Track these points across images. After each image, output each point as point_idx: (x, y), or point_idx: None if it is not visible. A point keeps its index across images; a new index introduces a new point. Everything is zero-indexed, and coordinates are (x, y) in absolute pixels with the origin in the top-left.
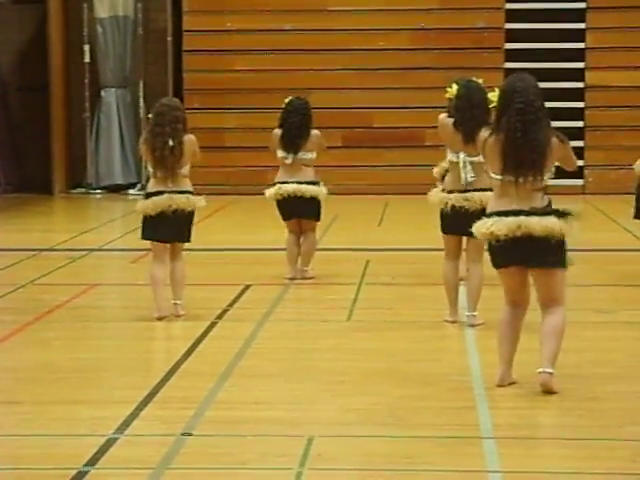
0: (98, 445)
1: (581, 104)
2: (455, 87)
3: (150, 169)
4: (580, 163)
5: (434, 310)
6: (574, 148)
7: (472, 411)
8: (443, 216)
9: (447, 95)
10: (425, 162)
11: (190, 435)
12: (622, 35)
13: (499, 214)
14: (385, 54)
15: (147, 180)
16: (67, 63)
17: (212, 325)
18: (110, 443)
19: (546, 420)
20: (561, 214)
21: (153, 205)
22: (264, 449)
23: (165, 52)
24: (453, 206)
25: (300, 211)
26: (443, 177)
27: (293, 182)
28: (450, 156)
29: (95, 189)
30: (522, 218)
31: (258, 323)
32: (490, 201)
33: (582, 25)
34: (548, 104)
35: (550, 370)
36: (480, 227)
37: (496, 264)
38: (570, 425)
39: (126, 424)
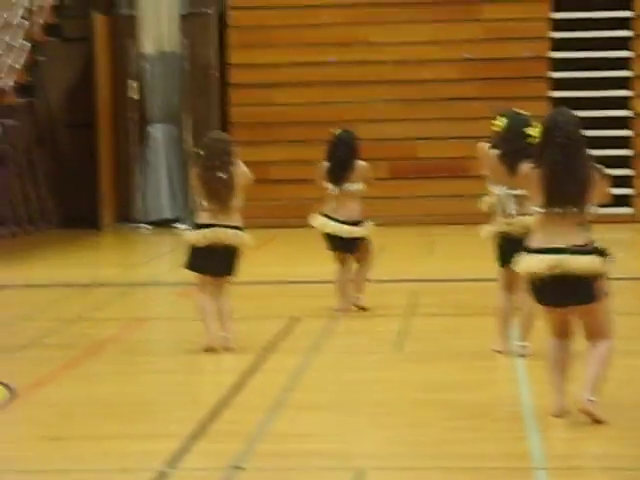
0: None
1: (630, 132)
2: (504, 119)
3: (202, 202)
4: (630, 192)
5: (482, 340)
6: (623, 177)
7: (523, 441)
8: (495, 246)
9: (494, 127)
10: (470, 192)
11: (241, 468)
12: None
13: (539, 251)
14: (429, 85)
15: (192, 214)
16: (114, 99)
17: (260, 358)
18: (161, 477)
19: (598, 449)
20: (601, 252)
21: (203, 238)
22: None
23: (211, 86)
24: (499, 232)
25: (344, 247)
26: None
27: (337, 220)
28: (493, 189)
29: (143, 223)
30: (562, 257)
31: (306, 355)
32: (532, 235)
33: (628, 53)
34: (596, 132)
35: (589, 397)
36: (521, 264)
37: (536, 300)
38: (622, 455)
39: (176, 458)
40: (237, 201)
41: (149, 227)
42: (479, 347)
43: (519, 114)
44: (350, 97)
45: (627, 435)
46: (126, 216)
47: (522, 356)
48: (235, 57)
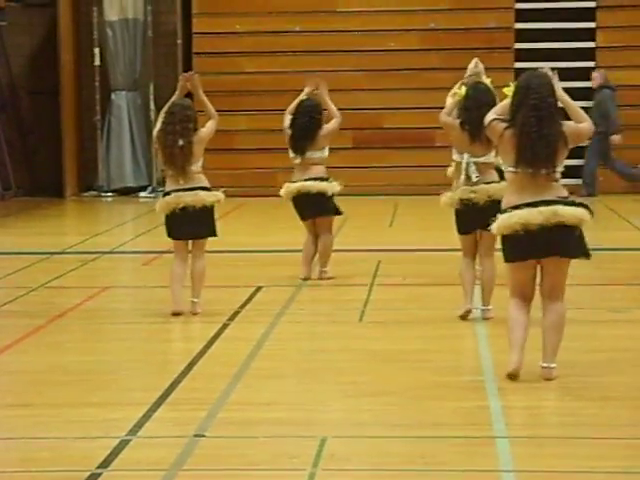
0: (111, 447)
1: (591, 103)
2: (464, 88)
3: (162, 166)
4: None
5: (446, 310)
6: (586, 148)
7: (485, 411)
8: (456, 215)
9: (456, 96)
10: (435, 163)
11: (203, 436)
12: (632, 34)
13: (528, 205)
14: (395, 55)
15: (158, 182)
16: (77, 66)
17: (224, 326)
18: (123, 445)
19: (559, 419)
20: (585, 206)
21: (166, 205)
22: (277, 450)
23: (175, 54)
24: (461, 199)
25: (311, 209)
26: None
27: (308, 179)
28: (455, 156)
29: (106, 192)
30: (559, 207)
31: (270, 324)
32: (506, 196)
33: (592, 24)
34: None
35: (553, 365)
36: (506, 220)
37: (513, 258)
38: (583, 424)
39: (139, 426)
40: (197, 165)
41: (113, 195)
42: (442, 316)
43: (480, 82)
44: (315, 66)
45: (597, 405)
46: (90, 184)
47: (486, 319)
48: (199, 25)
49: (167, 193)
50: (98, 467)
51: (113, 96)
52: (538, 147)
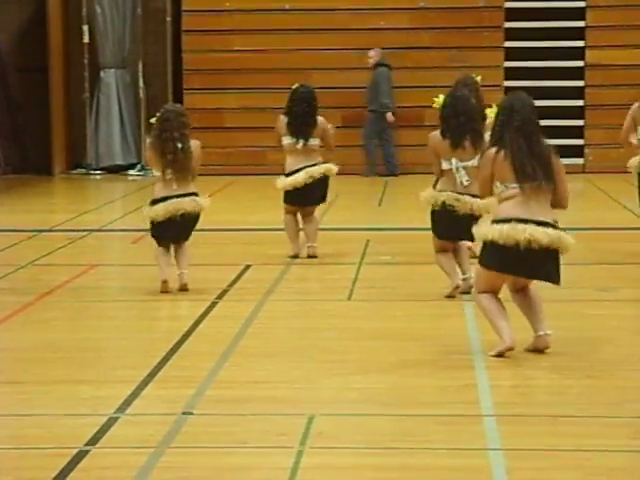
0: (99, 425)
1: (581, 83)
2: (441, 97)
3: (158, 173)
4: (580, 142)
5: (433, 289)
6: (575, 127)
7: (473, 389)
8: (434, 217)
9: (434, 105)
10: (425, 142)
11: (191, 414)
12: (622, 13)
13: (535, 222)
14: (385, 34)
15: (147, 162)
16: (66, 43)
17: (213, 305)
18: (111, 422)
19: (546, 398)
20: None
21: (163, 211)
22: (265, 428)
23: (164, 32)
24: (444, 203)
25: (314, 196)
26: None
27: (315, 165)
28: (443, 164)
29: (95, 170)
30: (562, 233)
31: (259, 303)
32: (506, 207)
33: (582, 3)
34: (549, 83)
35: (549, 332)
36: (511, 230)
37: (496, 268)
38: (570, 403)
39: (127, 403)
40: (193, 172)
41: (101, 173)
42: (431, 295)
43: (457, 91)
44: (305, 44)
45: (583, 384)
46: (78, 162)
47: (466, 292)
48: (189, 3)
49: (160, 200)
50: (86, 444)
51: (102, 74)
52: (535, 163)
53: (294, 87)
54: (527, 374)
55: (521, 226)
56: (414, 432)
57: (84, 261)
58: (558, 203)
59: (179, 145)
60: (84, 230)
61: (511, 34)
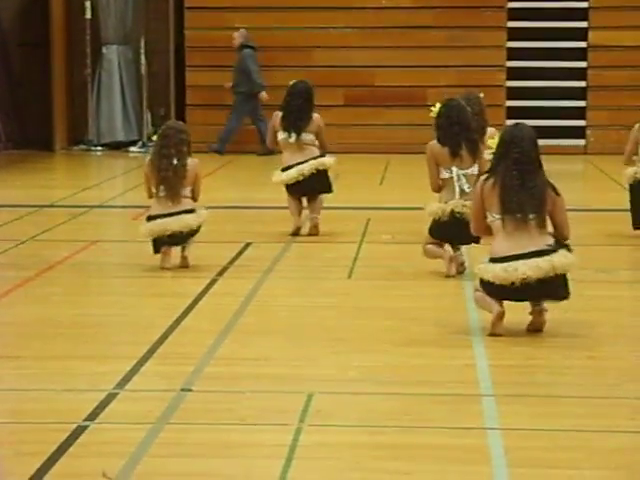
0: (98, 400)
1: (584, 64)
2: (438, 106)
3: (153, 190)
4: (582, 123)
5: (433, 268)
6: (577, 108)
7: (472, 369)
8: (437, 222)
9: (431, 114)
10: (426, 121)
11: (190, 390)
12: None
13: (520, 256)
14: (387, 12)
15: (148, 137)
16: (68, 19)
17: (212, 282)
18: (110, 398)
19: (546, 378)
20: (568, 247)
21: (149, 232)
22: (263, 405)
23: (166, 9)
24: (452, 212)
25: (314, 187)
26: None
27: (308, 160)
28: (443, 173)
29: (96, 146)
30: (554, 259)
31: (259, 280)
32: (494, 244)
33: None
34: (551, 64)
35: (547, 307)
36: (502, 273)
37: (495, 297)
38: (569, 383)
39: (126, 379)
40: (188, 190)
41: (102, 149)
42: (431, 274)
43: (452, 100)
44: (306, 22)
45: (583, 364)
46: (80, 138)
47: (462, 271)
48: None
49: (153, 217)
50: (85, 420)
51: (104, 50)
52: (523, 198)
53: (292, 82)
54: (527, 354)
55: (512, 267)
56: (413, 411)
57: (85, 237)
58: (559, 235)
59: (174, 162)
60: (85, 206)
61: (514, 14)
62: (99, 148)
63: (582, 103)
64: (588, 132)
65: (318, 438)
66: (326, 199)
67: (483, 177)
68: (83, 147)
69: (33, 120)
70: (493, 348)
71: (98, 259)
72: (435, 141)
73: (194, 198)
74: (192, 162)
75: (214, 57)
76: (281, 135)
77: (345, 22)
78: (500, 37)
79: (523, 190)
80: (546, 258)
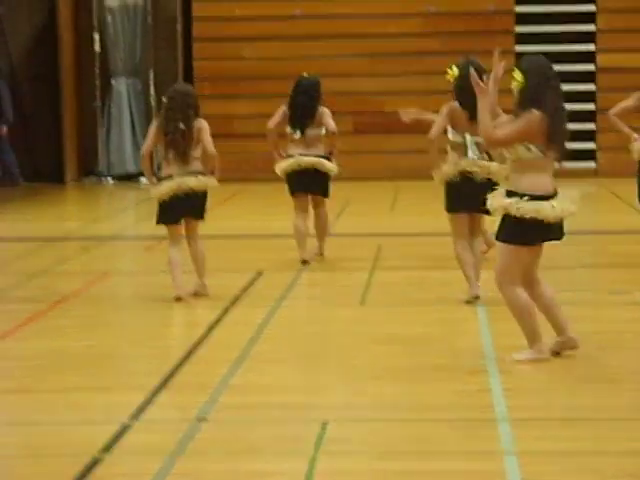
0: (113, 432)
1: (592, 86)
2: (455, 68)
3: (161, 152)
4: (592, 146)
5: (445, 293)
6: (587, 132)
7: (487, 393)
8: (449, 190)
9: (448, 77)
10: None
11: (204, 420)
12: (633, 17)
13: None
14: (395, 40)
15: (159, 168)
16: (77, 52)
17: (226, 311)
18: (125, 430)
19: (562, 401)
20: None
21: (166, 189)
22: (278, 434)
23: (175, 40)
24: (462, 172)
25: (311, 185)
26: None
27: (310, 155)
28: (453, 137)
29: (107, 177)
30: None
31: (272, 308)
32: (531, 179)
33: (593, 7)
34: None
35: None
36: (549, 210)
37: (533, 240)
38: (585, 406)
39: (140, 410)
40: (197, 151)
41: (113, 181)
42: (443, 300)
43: (471, 61)
44: (315, 51)
45: (598, 387)
46: (90, 170)
47: (477, 298)
48: (199, 10)
49: (165, 178)
50: (100, 451)
51: (113, 82)
52: (566, 133)
53: (298, 78)
54: (541, 378)
55: (560, 205)
56: (428, 437)
57: (97, 269)
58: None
59: (181, 125)
60: (97, 238)
61: (522, 38)
62: (110, 179)
63: (592, 126)
64: (598, 154)
65: (334, 466)
66: (337, 226)
67: (537, 112)
68: (94, 179)
69: (44, 152)
70: (507, 372)
71: (111, 290)
72: (457, 102)
73: (209, 160)
74: (198, 122)
75: (224, 87)
76: (288, 130)
77: (353, 50)
78: (509, 62)
79: (565, 120)
80: (566, 194)
